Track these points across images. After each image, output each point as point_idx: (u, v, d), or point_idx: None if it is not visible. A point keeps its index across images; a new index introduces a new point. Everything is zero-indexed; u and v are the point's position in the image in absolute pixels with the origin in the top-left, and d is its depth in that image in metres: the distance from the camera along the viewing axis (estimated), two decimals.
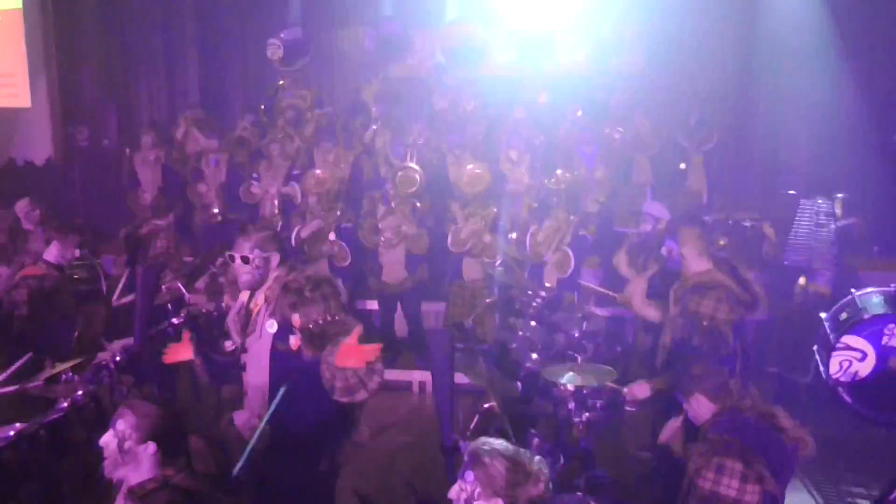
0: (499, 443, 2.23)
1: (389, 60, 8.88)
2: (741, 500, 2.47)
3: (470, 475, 2.17)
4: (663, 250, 3.91)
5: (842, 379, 4.93)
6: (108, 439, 2.46)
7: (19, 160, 9.12)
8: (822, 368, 5.01)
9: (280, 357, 2.97)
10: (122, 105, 9.94)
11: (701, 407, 2.87)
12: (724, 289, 3.58)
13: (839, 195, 5.71)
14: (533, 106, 8.02)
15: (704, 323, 3.53)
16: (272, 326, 2.97)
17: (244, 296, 3.12)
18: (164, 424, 2.47)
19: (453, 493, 2.22)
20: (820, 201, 5.53)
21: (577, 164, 7.02)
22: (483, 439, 2.26)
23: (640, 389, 3.73)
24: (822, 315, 5.24)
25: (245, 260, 2.98)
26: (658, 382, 3.68)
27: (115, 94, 10.10)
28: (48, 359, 4.20)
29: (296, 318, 2.89)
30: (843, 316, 5.12)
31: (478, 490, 2.14)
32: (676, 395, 3.05)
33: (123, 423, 2.44)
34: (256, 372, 3.03)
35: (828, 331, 5.11)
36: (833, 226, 5.41)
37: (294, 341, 2.92)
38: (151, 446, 2.44)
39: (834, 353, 4.93)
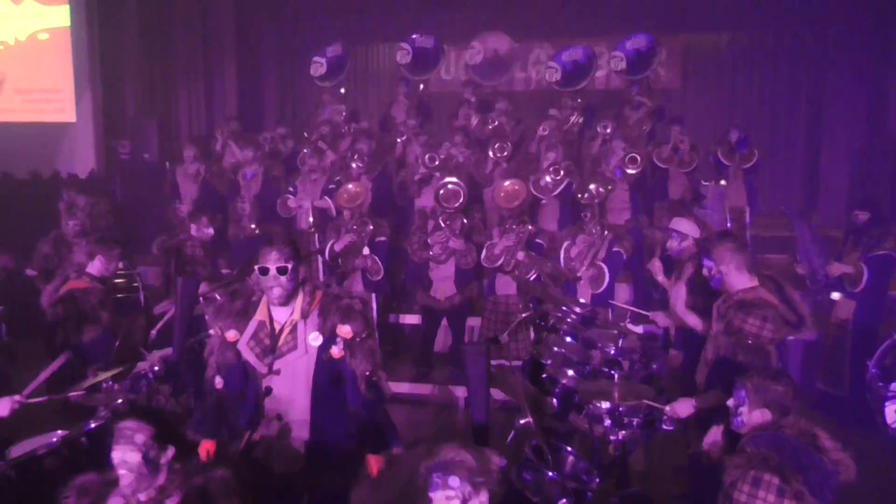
0: (449, 448, 2.40)
1: (422, 75, 8.96)
2: None
3: (455, 480, 2.30)
4: (703, 271, 3.82)
5: None
6: (129, 456, 2.49)
7: (64, 173, 9.37)
8: (878, 417, 4.93)
9: (322, 369, 2.95)
10: (163, 120, 10.18)
11: (762, 419, 2.83)
12: (770, 308, 3.50)
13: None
14: (565, 121, 8.04)
15: (749, 341, 3.45)
16: (317, 339, 2.92)
17: (261, 315, 2.99)
18: (169, 429, 2.61)
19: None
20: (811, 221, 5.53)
21: (610, 180, 6.98)
22: (439, 456, 2.40)
23: (683, 407, 3.65)
24: (868, 363, 5.16)
25: (282, 271, 2.90)
26: (703, 400, 3.60)
27: (156, 110, 10.36)
28: (90, 368, 4.28)
29: (347, 329, 2.90)
30: (888, 362, 5.03)
31: (468, 489, 2.31)
32: (731, 403, 2.97)
33: (143, 436, 2.51)
34: (294, 389, 2.96)
35: (875, 379, 5.00)
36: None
37: (337, 351, 2.91)
38: (171, 450, 2.55)
39: (888, 403, 4.82)
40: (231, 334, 2.98)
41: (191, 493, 2.54)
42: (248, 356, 2.96)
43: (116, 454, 2.52)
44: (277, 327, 2.96)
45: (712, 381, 3.62)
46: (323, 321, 2.95)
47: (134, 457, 2.49)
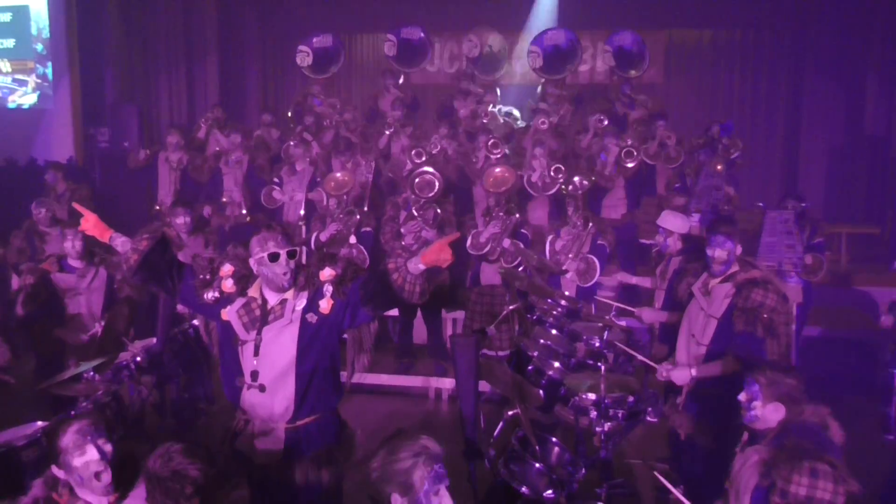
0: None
1: (409, 67, 8.91)
2: (835, 503, 2.42)
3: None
4: (720, 252, 3.85)
5: None
6: (99, 465, 2.46)
7: (40, 160, 9.19)
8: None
9: (305, 333, 2.96)
10: (143, 107, 10.02)
11: (776, 414, 2.84)
12: (773, 283, 3.63)
13: (802, 204, 5.98)
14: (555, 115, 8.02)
15: (765, 315, 3.53)
16: (301, 302, 2.96)
17: (254, 291, 3.02)
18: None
19: None
20: (786, 210, 5.61)
21: (605, 175, 6.98)
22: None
23: (680, 375, 3.72)
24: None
25: (292, 254, 2.92)
26: (704, 368, 3.65)
27: (136, 97, 10.20)
28: (71, 358, 4.22)
29: (328, 272, 2.96)
30: None
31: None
32: (742, 397, 2.94)
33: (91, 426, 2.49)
34: (279, 356, 2.96)
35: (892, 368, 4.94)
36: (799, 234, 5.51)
37: (326, 304, 2.93)
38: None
39: None
40: (226, 269, 3.03)
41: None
42: (236, 324, 2.98)
43: (83, 459, 2.45)
44: (268, 306, 2.99)
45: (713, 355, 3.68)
46: (311, 289, 2.98)
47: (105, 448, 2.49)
